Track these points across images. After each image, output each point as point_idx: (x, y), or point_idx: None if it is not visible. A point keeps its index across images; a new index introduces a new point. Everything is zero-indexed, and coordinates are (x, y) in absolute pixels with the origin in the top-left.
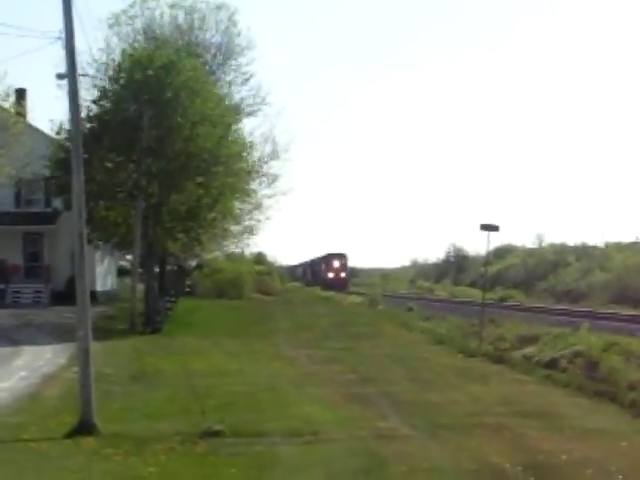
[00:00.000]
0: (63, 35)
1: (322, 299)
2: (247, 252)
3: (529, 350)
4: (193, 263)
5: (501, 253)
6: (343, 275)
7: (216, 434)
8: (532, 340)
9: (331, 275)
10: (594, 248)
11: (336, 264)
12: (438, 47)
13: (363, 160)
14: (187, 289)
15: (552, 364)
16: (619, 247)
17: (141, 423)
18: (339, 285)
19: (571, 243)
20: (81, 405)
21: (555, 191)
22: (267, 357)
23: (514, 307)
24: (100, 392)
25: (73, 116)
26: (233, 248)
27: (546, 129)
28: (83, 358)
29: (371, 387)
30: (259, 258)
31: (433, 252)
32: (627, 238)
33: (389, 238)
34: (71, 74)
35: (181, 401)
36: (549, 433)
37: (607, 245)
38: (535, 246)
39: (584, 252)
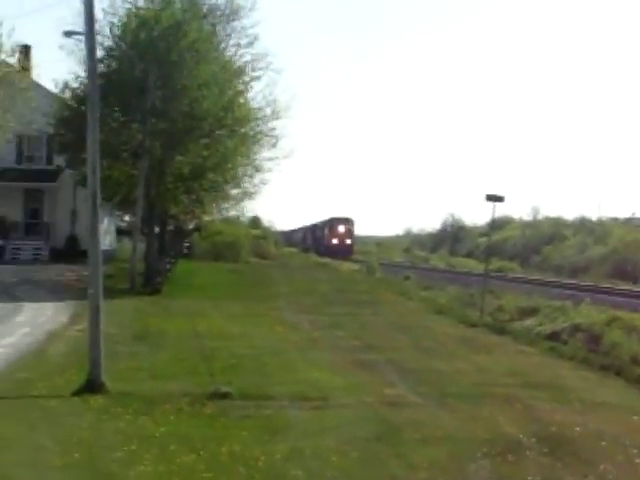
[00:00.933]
0: None
1: (319, 265)
2: (243, 216)
3: (529, 322)
4: (191, 225)
5: (498, 225)
6: (348, 242)
7: (224, 396)
8: (532, 312)
9: (335, 241)
10: (591, 222)
11: (341, 229)
12: (447, 14)
13: (364, 126)
14: (185, 251)
15: (553, 337)
16: (616, 222)
17: (148, 383)
18: (343, 252)
19: (568, 217)
20: (89, 363)
21: (552, 164)
22: (269, 321)
23: (513, 279)
24: (105, 351)
25: (90, 73)
26: (232, 211)
27: (545, 100)
28: (93, 316)
29: (376, 354)
30: (254, 222)
31: (428, 222)
32: (623, 213)
33: (384, 206)
34: (89, 31)
35: (187, 362)
36: (559, 405)
37: (604, 220)
38: (530, 218)
39: (581, 226)
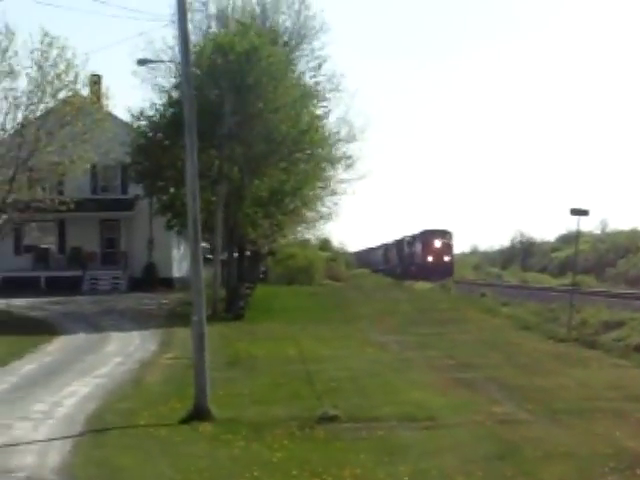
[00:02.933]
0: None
1: (392, 285)
2: (313, 238)
3: (616, 335)
4: (265, 249)
5: (568, 239)
6: (447, 259)
7: (332, 419)
8: (617, 325)
9: (430, 259)
10: None
11: (437, 244)
12: (524, 21)
13: (435, 146)
14: (261, 275)
15: None
16: None
17: (252, 409)
18: (441, 272)
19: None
20: (196, 390)
21: (619, 176)
22: (357, 343)
23: (593, 293)
24: None
25: (187, 100)
26: (307, 234)
27: (604, 112)
28: (198, 344)
29: (473, 372)
30: (325, 244)
31: (494, 239)
32: None
33: (451, 225)
34: (185, 59)
35: (286, 386)
36: None
37: None
38: (599, 232)
39: None
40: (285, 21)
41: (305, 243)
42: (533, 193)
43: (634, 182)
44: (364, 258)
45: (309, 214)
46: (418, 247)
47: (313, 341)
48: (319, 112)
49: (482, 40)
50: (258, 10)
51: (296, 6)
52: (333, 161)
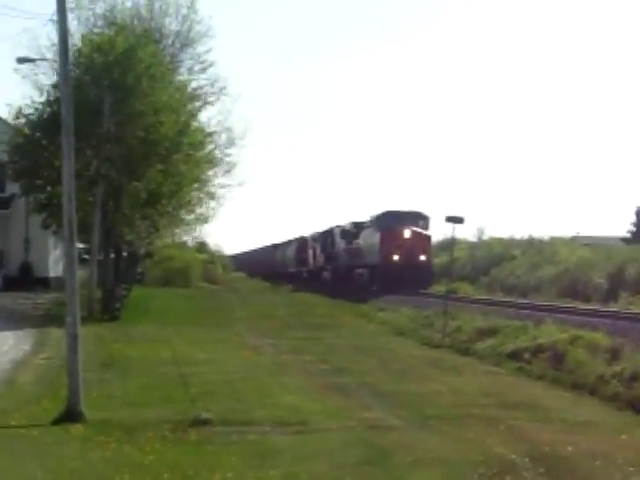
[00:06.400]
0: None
1: (270, 288)
2: (190, 241)
3: (490, 342)
4: (142, 251)
5: (445, 246)
6: (423, 258)
7: (205, 423)
8: (491, 333)
9: (396, 257)
10: (539, 242)
11: (407, 234)
12: (390, 34)
13: (313, 154)
14: (138, 276)
15: (514, 356)
16: (563, 241)
17: (125, 411)
18: (415, 279)
19: (515, 237)
20: (69, 392)
21: (495, 184)
22: (233, 346)
23: (467, 300)
24: None
25: (64, 100)
26: (184, 237)
27: (484, 120)
28: (72, 345)
29: (347, 377)
30: (201, 247)
31: None
32: (567, 232)
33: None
34: (63, 59)
35: (160, 389)
36: (542, 425)
37: (549, 239)
38: (475, 239)
39: (529, 246)
40: (171, 24)
41: (182, 245)
42: (410, 199)
43: (512, 190)
44: (247, 260)
45: (187, 216)
46: (373, 239)
47: (188, 344)
48: (200, 115)
49: (360, 43)
50: (145, 12)
51: (184, 10)
52: (212, 164)
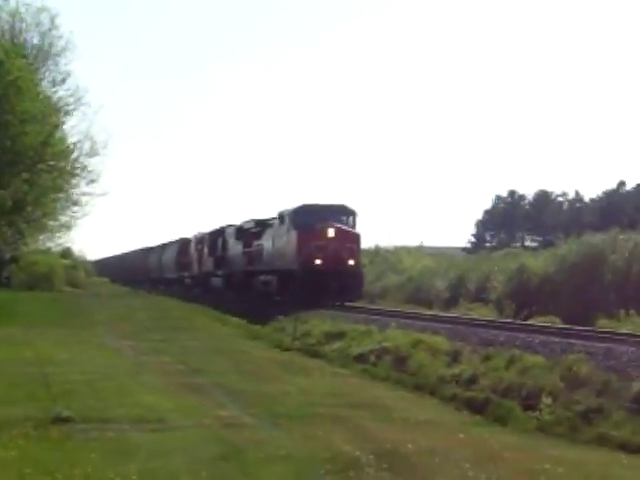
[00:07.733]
0: None
1: (130, 292)
2: (55, 246)
3: (337, 346)
4: (7, 256)
5: None
6: (352, 262)
7: (66, 420)
8: (339, 336)
9: (319, 261)
10: (386, 251)
11: (330, 232)
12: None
13: (176, 162)
14: (4, 281)
15: (360, 359)
16: (408, 250)
17: None
18: (342, 288)
19: (363, 246)
20: None
21: (344, 193)
22: (93, 347)
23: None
24: None
25: None
26: (48, 243)
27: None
28: None
29: (202, 377)
30: (66, 253)
31: None
32: (412, 242)
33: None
34: None
35: (23, 388)
36: (385, 424)
37: (394, 248)
38: None
39: (376, 254)
40: (33, 38)
41: (47, 251)
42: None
43: (360, 200)
44: (113, 265)
45: (51, 223)
46: (287, 239)
47: (51, 345)
48: (62, 126)
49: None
50: (7, 27)
51: (45, 26)
52: (74, 174)
